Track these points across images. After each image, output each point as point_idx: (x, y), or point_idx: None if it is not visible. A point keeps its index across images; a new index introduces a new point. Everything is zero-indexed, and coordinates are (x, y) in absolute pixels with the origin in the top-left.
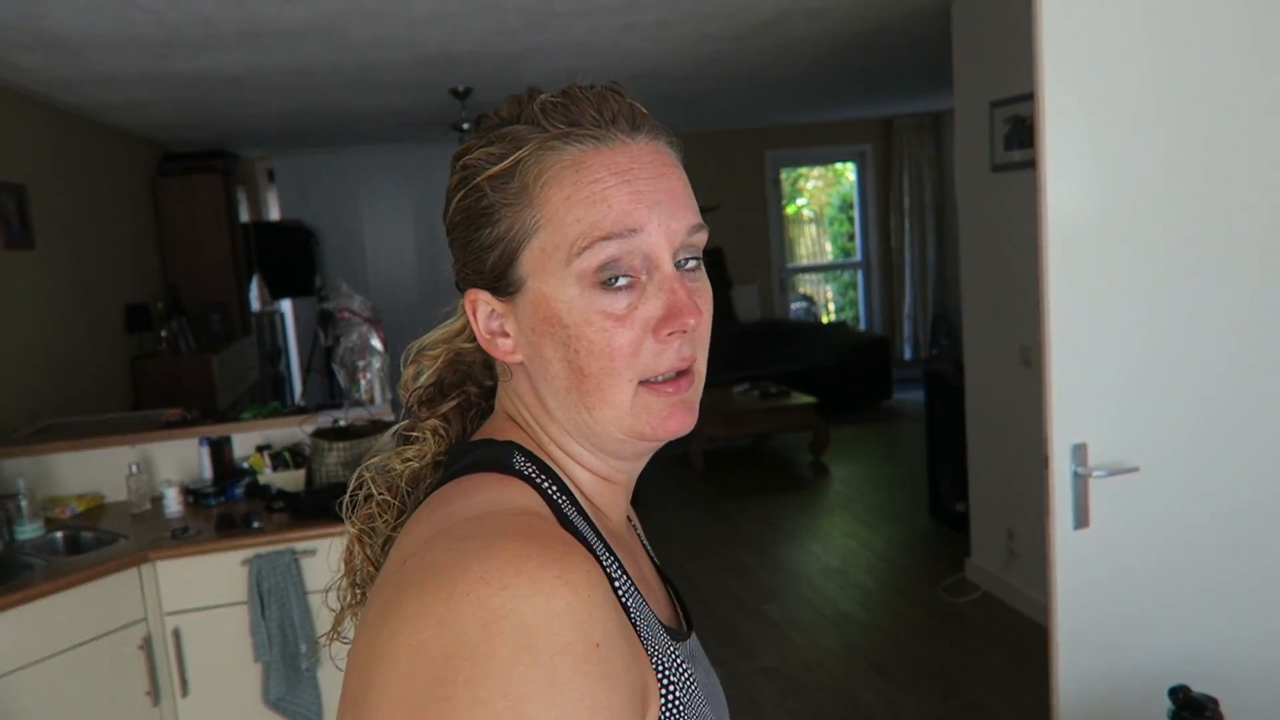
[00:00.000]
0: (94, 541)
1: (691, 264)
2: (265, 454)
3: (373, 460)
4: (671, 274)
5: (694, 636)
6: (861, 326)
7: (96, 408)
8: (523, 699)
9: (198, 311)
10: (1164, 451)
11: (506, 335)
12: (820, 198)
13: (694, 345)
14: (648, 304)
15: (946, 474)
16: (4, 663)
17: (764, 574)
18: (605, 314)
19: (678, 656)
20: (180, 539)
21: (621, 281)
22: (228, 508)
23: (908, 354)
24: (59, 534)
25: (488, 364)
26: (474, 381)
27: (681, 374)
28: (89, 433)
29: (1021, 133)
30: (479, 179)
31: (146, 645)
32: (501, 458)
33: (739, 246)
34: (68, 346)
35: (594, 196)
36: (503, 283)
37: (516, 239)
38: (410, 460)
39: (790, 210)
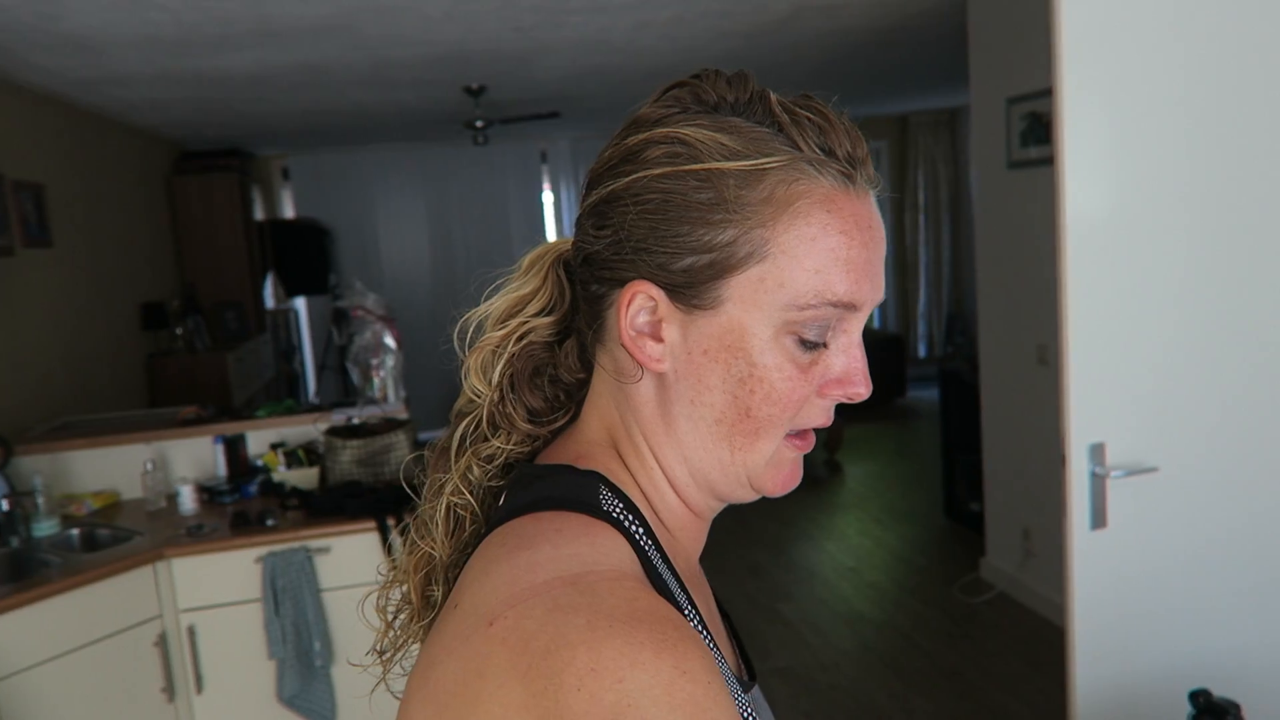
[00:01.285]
0: (110, 539)
1: None
2: (280, 452)
3: (444, 461)
4: (858, 341)
5: (756, 685)
6: (875, 324)
7: (112, 405)
8: None
9: (213, 309)
10: (1183, 452)
11: (659, 340)
12: None
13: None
14: (829, 363)
15: (962, 473)
16: (21, 659)
17: (778, 573)
18: (794, 364)
19: (746, 707)
20: (195, 536)
21: (818, 345)
22: (242, 505)
23: (922, 352)
24: (75, 531)
25: (578, 351)
26: (560, 373)
27: (807, 431)
28: (105, 430)
29: (1038, 129)
30: (707, 167)
31: (162, 642)
32: (586, 495)
33: None
34: (84, 344)
35: (838, 252)
36: (691, 292)
37: (737, 257)
38: (489, 459)
39: None
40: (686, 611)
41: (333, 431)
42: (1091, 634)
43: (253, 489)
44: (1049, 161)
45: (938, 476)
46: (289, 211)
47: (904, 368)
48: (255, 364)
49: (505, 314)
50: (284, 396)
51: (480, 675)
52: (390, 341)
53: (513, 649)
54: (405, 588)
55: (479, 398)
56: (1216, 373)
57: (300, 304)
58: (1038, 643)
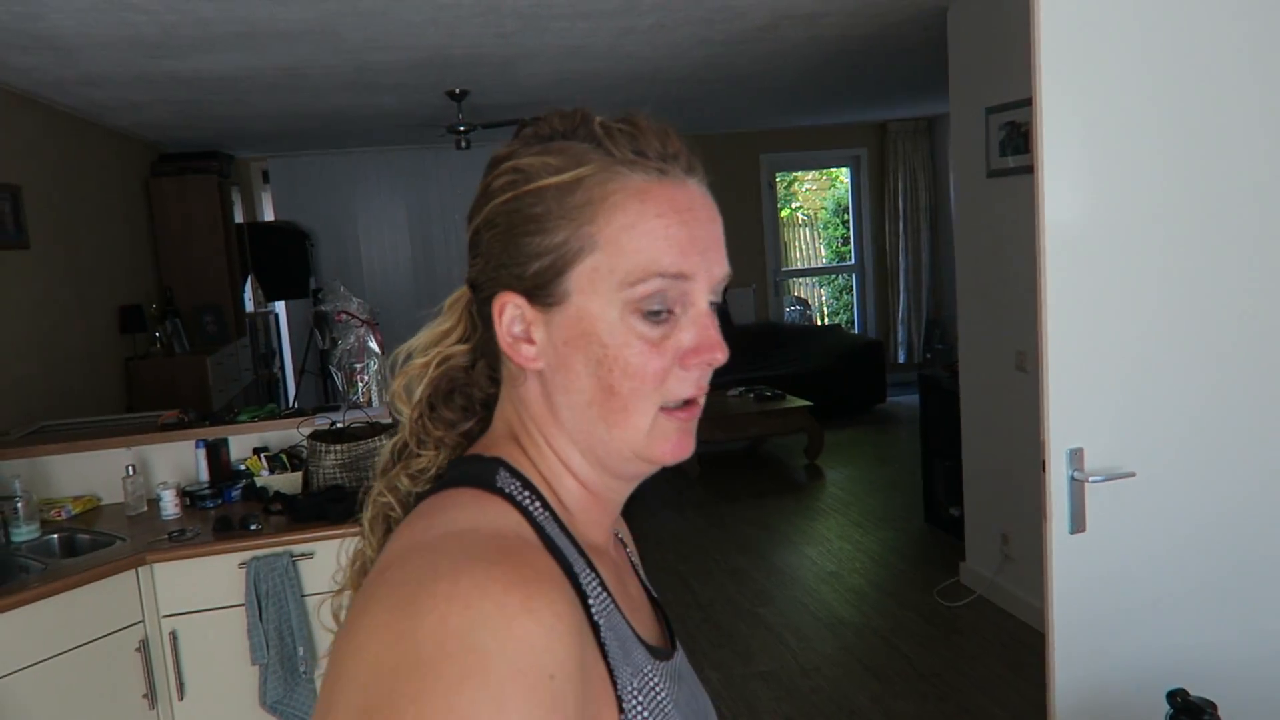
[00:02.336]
0: (90, 544)
1: (714, 306)
2: (262, 456)
3: (382, 476)
4: (705, 311)
5: (680, 656)
6: (856, 330)
7: (90, 409)
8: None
9: (192, 313)
10: (1160, 456)
11: (531, 342)
12: (814, 201)
13: (707, 378)
14: (680, 335)
15: (941, 478)
16: (1, 665)
17: (759, 577)
18: (643, 339)
19: (652, 677)
20: (177, 541)
21: (662, 314)
22: (225, 510)
23: (901, 358)
24: (55, 536)
25: (488, 371)
26: (477, 385)
27: (689, 402)
28: (84, 434)
29: (1017, 139)
30: (535, 185)
31: (143, 647)
32: (485, 474)
33: (733, 250)
34: (62, 348)
35: (656, 232)
36: (543, 292)
37: (570, 253)
38: (420, 473)
39: (784, 214)
40: (585, 576)
41: (316, 436)
42: (1070, 636)
43: (235, 493)
44: (1027, 170)
45: (917, 481)
46: (269, 214)
47: (883, 373)
48: (234, 368)
49: (427, 346)
50: (263, 401)
51: (363, 611)
52: (374, 346)
53: (390, 584)
54: (350, 591)
55: (401, 417)
56: (1191, 378)
57: (280, 308)
58: (1017, 646)
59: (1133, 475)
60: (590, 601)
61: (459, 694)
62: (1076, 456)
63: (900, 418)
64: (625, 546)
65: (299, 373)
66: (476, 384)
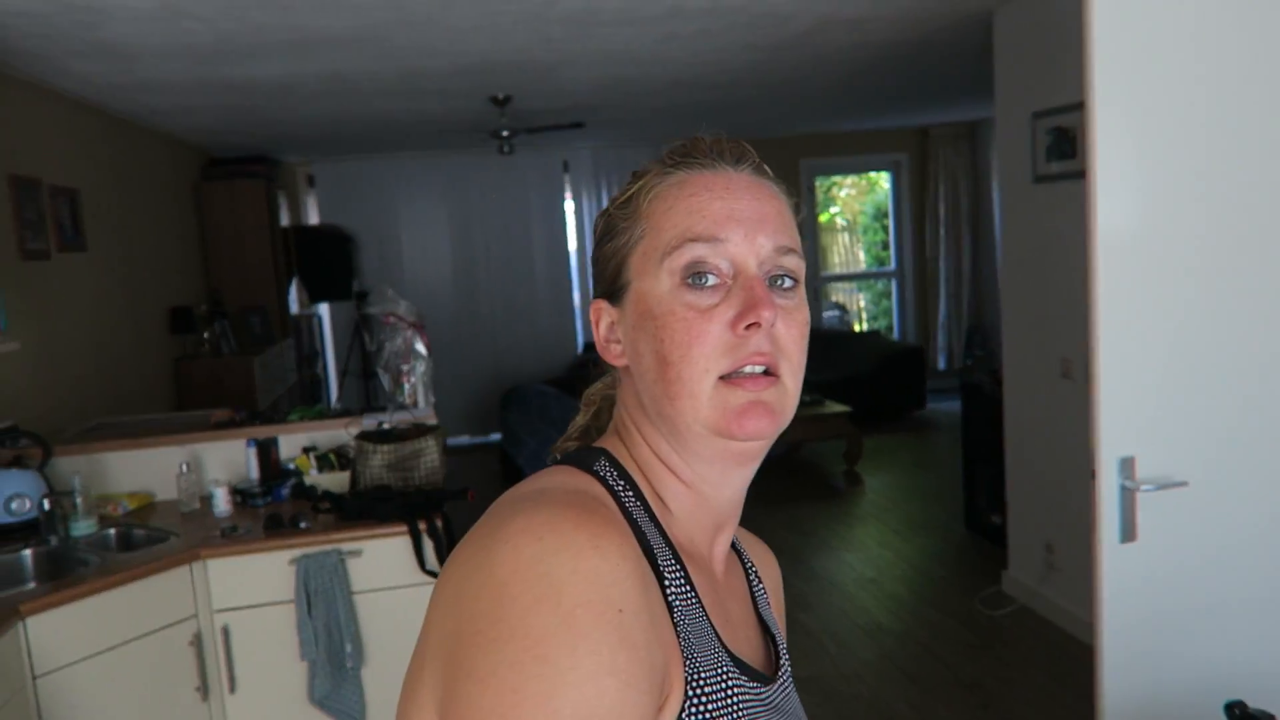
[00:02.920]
0: (146, 539)
1: (787, 284)
2: (311, 455)
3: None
4: (753, 275)
5: (781, 689)
6: (895, 336)
7: (141, 407)
8: (541, 640)
9: (239, 314)
10: (1214, 465)
11: (618, 341)
12: (853, 206)
13: (773, 345)
14: (729, 301)
15: (983, 485)
16: (59, 657)
17: (798, 582)
18: (689, 306)
19: (736, 686)
20: (229, 538)
21: (709, 281)
22: (275, 508)
23: (941, 364)
24: (112, 531)
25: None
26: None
27: (766, 374)
28: (139, 432)
29: (1064, 144)
30: (609, 208)
31: (197, 642)
32: (586, 459)
33: None
34: (116, 347)
35: (690, 207)
36: (614, 288)
37: (627, 248)
38: None
39: (823, 219)
40: (665, 561)
41: (364, 436)
42: (1120, 647)
43: (284, 492)
44: (1074, 176)
45: (958, 488)
46: (314, 218)
47: (923, 380)
48: (280, 369)
49: (594, 391)
50: (306, 401)
51: (456, 551)
52: (421, 348)
53: (478, 528)
54: None
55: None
56: (1246, 387)
57: (324, 310)
58: (1061, 656)
59: (1185, 484)
60: (666, 584)
61: (535, 615)
62: (1128, 465)
63: (940, 424)
64: (751, 578)
65: (342, 374)
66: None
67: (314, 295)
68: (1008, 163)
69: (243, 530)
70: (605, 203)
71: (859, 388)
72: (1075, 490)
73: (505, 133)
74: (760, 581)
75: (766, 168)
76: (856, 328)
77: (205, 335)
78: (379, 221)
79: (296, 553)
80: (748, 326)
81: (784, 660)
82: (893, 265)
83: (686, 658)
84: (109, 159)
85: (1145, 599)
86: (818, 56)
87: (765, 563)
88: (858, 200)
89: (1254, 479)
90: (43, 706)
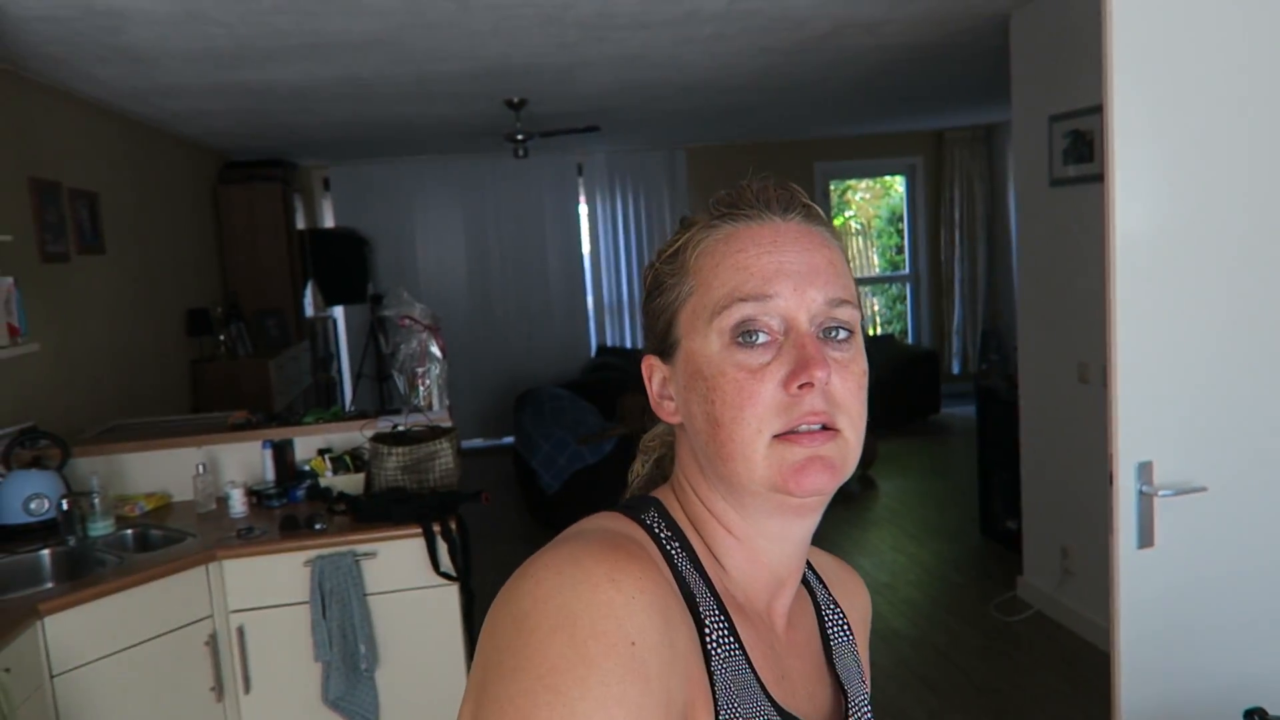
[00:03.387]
0: (163, 540)
1: (842, 335)
2: (326, 457)
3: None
4: (805, 331)
5: None
6: (910, 340)
7: (158, 409)
8: (554, 671)
9: (255, 317)
10: (1233, 471)
11: (671, 399)
12: (867, 210)
13: (828, 403)
14: (781, 360)
15: (998, 490)
16: (78, 655)
17: None
18: (739, 366)
19: None
20: (245, 539)
21: (760, 339)
22: (290, 509)
23: (955, 369)
24: (129, 531)
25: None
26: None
27: (825, 430)
28: (156, 434)
29: (1081, 147)
30: (656, 261)
31: (212, 642)
32: (636, 506)
33: None
34: (133, 349)
35: (739, 264)
36: (665, 345)
37: (675, 304)
38: None
39: (837, 222)
40: (708, 611)
41: (379, 438)
42: (1137, 653)
43: (300, 493)
44: (1092, 179)
45: (973, 493)
46: (329, 221)
47: (938, 384)
48: (295, 371)
49: (664, 432)
50: (321, 403)
51: (505, 585)
52: (436, 350)
53: (522, 565)
54: None
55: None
56: (1266, 392)
57: (339, 313)
58: (1077, 662)
59: (1204, 490)
60: (707, 631)
61: (548, 646)
62: (1146, 470)
63: (955, 429)
64: (828, 624)
65: (356, 377)
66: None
67: (329, 298)
68: (1024, 166)
69: (259, 531)
70: (620, 206)
71: (873, 392)
72: (1092, 495)
73: (520, 136)
74: (844, 620)
75: (818, 209)
76: (870, 332)
77: (222, 338)
78: (394, 224)
79: (311, 554)
80: (800, 386)
81: (854, 715)
82: (907, 269)
83: (720, 704)
84: (128, 162)
85: (1163, 605)
86: (834, 59)
87: (852, 592)
88: (872, 204)
89: (1273, 484)
90: (60, 704)
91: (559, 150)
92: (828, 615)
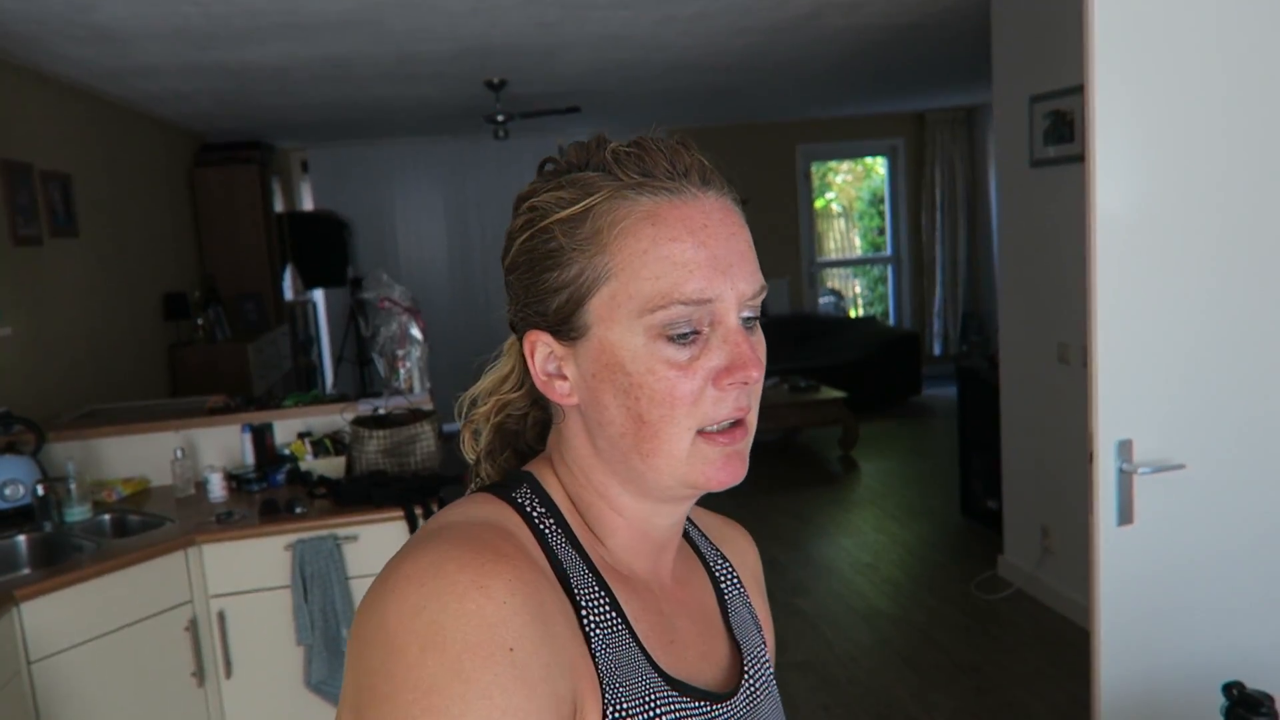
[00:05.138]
0: (141, 525)
1: (753, 321)
2: (306, 441)
3: None
4: (735, 328)
5: (747, 699)
6: (891, 321)
7: (135, 394)
8: (430, 691)
9: (233, 300)
10: (1212, 449)
11: (564, 378)
12: (849, 192)
13: (749, 397)
14: (710, 355)
15: (979, 470)
16: (55, 642)
17: (795, 568)
18: (669, 363)
19: (663, 708)
20: (225, 523)
21: (689, 335)
22: (270, 493)
23: (937, 350)
24: (107, 517)
25: (537, 423)
26: (525, 442)
27: (736, 425)
28: (133, 418)
29: (1061, 128)
30: (547, 221)
31: (192, 627)
32: (507, 484)
33: (768, 241)
34: (109, 333)
35: (673, 257)
36: (566, 327)
37: (585, 285)
38: None
39: (819, 204)
40: (584, 590)
41: (359, 421)
42: (1117, 630)
43: (280, 477)
44: (1072, 160)
45: (954, 474)
46: (308, 204)
47: (919, 366)
48: (274, 355)
49: (489, 391)
50: (301, 387)
51: (372, 586)
52: (416, 333)
53: (387, 565)
54: None
55: (471, 464)
56: (1245, 370)
57: (318, 296)
58: (1057, 640)
59: (1183, 467)
60: (584, 613)
61: (421, 666)
62: (1125, 448)
63: (936, 410)
64: (721, 580)
65: (337, 360)
66: (527, 439)
67: (308, 282)
68: (1005, 147)
69: (238, 515)
70: None
71: (854, 374)
72: (1071, 474)
73: (500, 117)
74: (734, 575)
75: (719, 174)
76: (852, 313)
77: (199, 321)
78: (374, 207)
79: (292, 538)
80: (731, 383)
81: (751, 669)
82: (889, 251)
83: (605, 686)
84: (101, 144)
85: (1142, 582)
86: (815, 39)
87: (742, 549)
88: (854, 186)
89: (1252, 461)
90: (38, 691)
91: (540, 132)
92: (718, 571)
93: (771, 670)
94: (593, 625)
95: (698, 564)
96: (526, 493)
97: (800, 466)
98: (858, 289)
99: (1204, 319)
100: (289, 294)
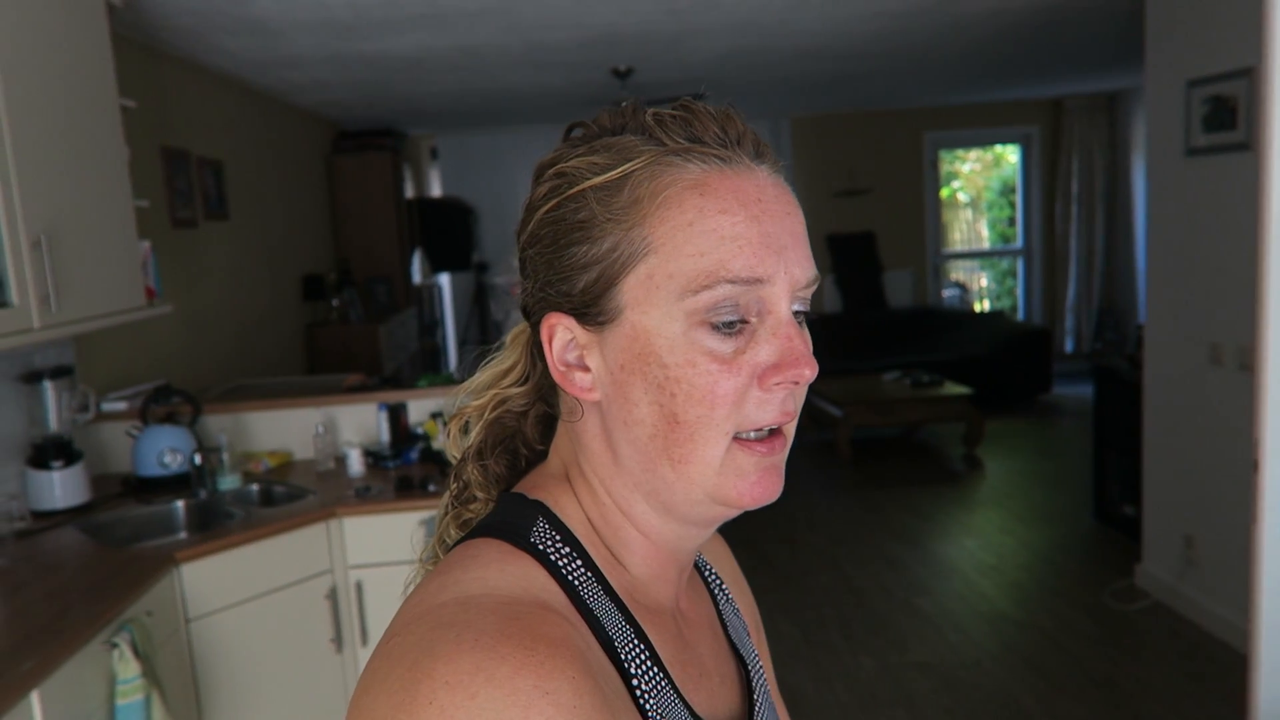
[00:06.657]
0: (285, 496)
1: (800, 315)
2: (439, 421)
3: (438, 525)
4: (788, 319)
5: (760, 715)
6: (1020, 316)
7: (275, 370)
8: None
9: (365, 283)
10: None
11: (585, 369)
12: (977, 181)
13: (796, 401)
14: (758, 349)
15: (1115, 474)
16: (209, 603)
17: (916, 566)
18: (711, 355)
19: None
20: (363, 498)
21: (736, 325)
22: (405, 470)
23: (1069, 347)
24: (255, 487)
25: (540, 418)
26: (524, 441)
27: (774, 434)
28: (277, 394)
29: (1223, 114)
30: (578, 188)
31: (332, 595)
32: (519, 524)
33: (892, 230)
34: (254, 311)
35: (721, 230)
36: (594, 310)
37: (619, 261)
38: (468, 524)
39: (945, 193)
40: (629, 650)
41: None
42: (1278, 649)
43: (413, 455)
44: (1234, 148)
45: (1086, 476)
46: (436, 190)
47: (1049, 363)
48: (404, 336)
49: (486, 386)
50: (427, 368)
51: (365, 690)
52: None
53: (390, 661)
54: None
55: (454, 463)
56: None
57: (444, 280)
58: (1200, 657)
59: None
60: (635, 681)
61: None
62: None
63: (1066, 409)
64: (715, 591)
65: (460, 343)
66: (525, 438)
67: (435, 265)
68: (1157, 135)
69: (375, 491)
70: None
71: (980, 369)
72: (1221, 482)
73: (624, 104)
74: (718, 577)
75: (771, 149)
76: (977, 307)
77: (335, 302)
78: (499, 193)
79: (426, 514)
80: (778, 383)
81: (755, 681)
82: (1019, 243)
83: None
84: (249, 132)
85: None
86: (952, 23)
87: (712, 547)
88: (981, 175)
89: None
90: (195, 648)
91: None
92: (709, 577)
93: (765, 674)
94: (644, 693)
95: (695, 575)
96: (544, 530)
97: (920, 463)
98: (984, 282)
99: None
100: (417, 277)
